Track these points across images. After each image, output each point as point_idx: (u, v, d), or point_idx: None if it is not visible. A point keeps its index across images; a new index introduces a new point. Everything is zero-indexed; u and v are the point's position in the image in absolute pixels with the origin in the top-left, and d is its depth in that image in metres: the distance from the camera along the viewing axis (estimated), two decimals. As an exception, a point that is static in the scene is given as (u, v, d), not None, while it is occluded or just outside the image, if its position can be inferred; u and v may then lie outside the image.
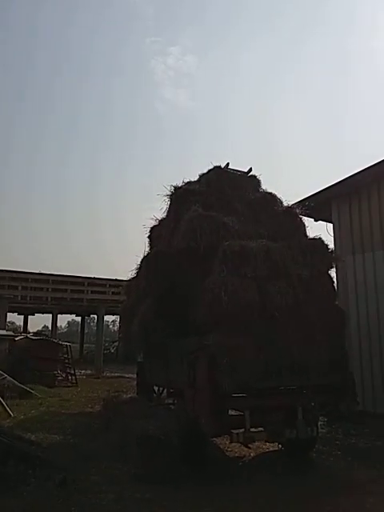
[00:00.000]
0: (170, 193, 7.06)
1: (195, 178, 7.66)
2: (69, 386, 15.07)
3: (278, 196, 7.30)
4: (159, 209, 7.41)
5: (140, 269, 7.50)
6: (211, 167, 7.40)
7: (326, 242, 6.34)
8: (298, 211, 6.92)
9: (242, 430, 5.10)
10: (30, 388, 12.03)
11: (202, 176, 7.54)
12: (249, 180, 7.60)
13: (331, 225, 9.33)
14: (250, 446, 6.09)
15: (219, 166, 7.41)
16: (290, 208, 7.01)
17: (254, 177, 7.68)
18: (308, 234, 6.79)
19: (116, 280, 22.43)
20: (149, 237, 8.28)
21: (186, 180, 7.38)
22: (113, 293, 22.68)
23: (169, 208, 7.23)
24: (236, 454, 6.45)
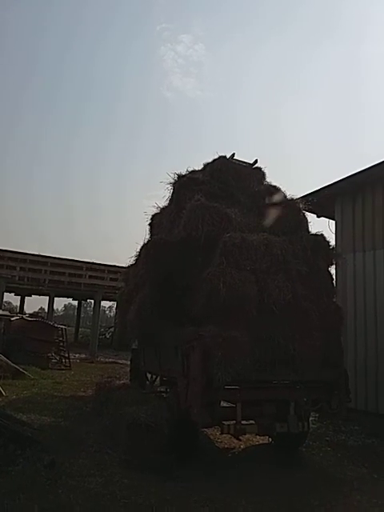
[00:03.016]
0: (173, 181, 6.98)
1: (200, 167, 7.58)
2: (62, 369, 15.11)
3: (283, 189, 7.23)
4: (162, 197, 7.34)
5: (139, 256, 7.44)
6: (216, 157, 7.31)
7: (327, 239, 6.31)
8: (301, 206, 6.84)
9: (234, 421, 5.11)
10: (24, 369, 12.03)
11: (206, 165, 7.45)
12: (254, 172, 7.51)
13: (333, 222, 9.28)
14: (240, 438, 6.11)
15: (224, 157, 7.32)
16: (294, 202, 6.94)
17: (259, 169, 7.59)
18: (310, 229, 6.73)
19: (114, 266, 22.42)
20: (150, 224, 8.21)
21: (190, 169, 7.31)
22: (111, 279, 22.65)
23: (171, 196, 7.14)
24: (226, 446, 6.48)
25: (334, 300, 6.37)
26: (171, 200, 7.16)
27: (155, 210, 7.83)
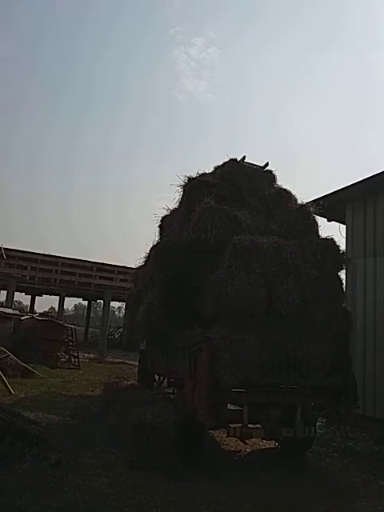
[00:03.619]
0: (183, 183, 7.02)
1: (209, 170, 7.60)
2: (71, 368, 15.20)
3: (293, 193, 7.21)
4: (171, 199, 7.39)
5: (148, 257, 7.49)
6: (227, 160, 7.32)
7: (337, 243, 6.27)
8: (311, 210, 6.82)
9: (240, 424, 5.10)
10: (33, 367, 12.14)
11: (216, 168, 7.47)
12: (264, 175, 7.50)
13: (344, 226, 9.22)
14: (246, 441, 6.09)
15: (235, 159, 7.32)
16: (304, 206, 6.92)
17: (270, 172, 7.57)
18: (320, 233, 6.70)
19: (124, 267, 22.51)
20: (159, 226, 8.25)
21: (201, 171, 7.33)
22: (120, 280, 22.75)
23: (181, 198, 7.18)
24: (232, 449, 6.47)
25: (344, 305, 6.32)
26: (181, 202, 7.20)
27: (165, 212, 7.88)
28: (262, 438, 5.98)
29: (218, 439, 6.72)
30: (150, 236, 8.08)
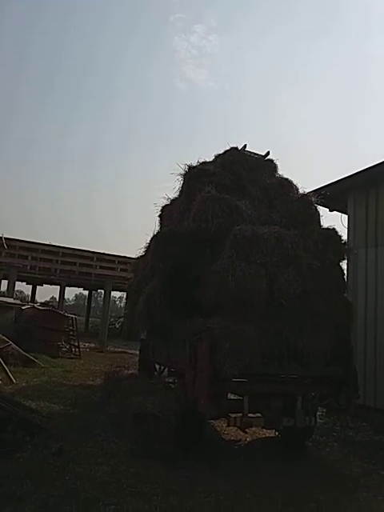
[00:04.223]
0: (183, 172, 6.94)
1: (210, 159, 7.51)
2: (72, 358, 15.27)
3: (295, 182, 7.14)
4: (171, 188, 7.31)
5: (149, 247, 7.45)
6: (228, 148, 7.24)
7: (339, 233, 6.22)
8: (313, 199, 6.75)
9: (240, 414, 5.10)
10: (34, 357, 12.19)
11: (217, 156, 7.38)
12: (265, 164, 7.42)
13: (346, 216, 9.16)
14: (246, 430, 6.12)
15: (236, 148, 7.24)
16: (306, 196, 6.85)
17: (271, 161, 7.48)
18: (322, 223, 6.65)
19: (125, 257, 22.47)
20: (160, 216, 8.19)
21: (201, 160, 7.25)
22: (121, 269, 22.75)
23: (181, 187, 7.10)
24: (232, 438, 6.50)
25: (345, 295, 6.29)
26: (181, 191, 7.13)
27: (165, 202, 7.81)
28: (263, 428, 6.01)
29: (218, 429, 6.74)
30: (148, 227, 8.01)
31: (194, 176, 6.81)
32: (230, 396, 5.57)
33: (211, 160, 7.43)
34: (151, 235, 7.42)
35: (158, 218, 8.19)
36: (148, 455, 5.07)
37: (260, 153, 7.55)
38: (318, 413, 6.14)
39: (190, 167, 6.96)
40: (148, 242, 7.54)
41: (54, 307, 19.79)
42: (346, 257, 6.28)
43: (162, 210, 8.10)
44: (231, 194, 6.29)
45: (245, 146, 7.36)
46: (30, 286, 31.81)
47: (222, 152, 7.34)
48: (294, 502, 4.23)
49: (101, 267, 23.48)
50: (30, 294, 33.68)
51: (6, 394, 6.70)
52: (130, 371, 9.04)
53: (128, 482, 4.37)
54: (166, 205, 7.90)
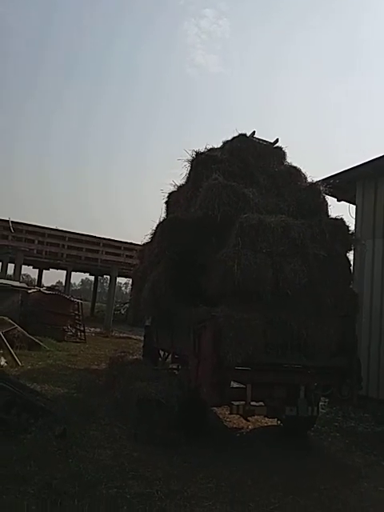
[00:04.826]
0: (191, 158, 6.85)
1: (219, 145, 7.42)
2: (77, 342, 15.41)
3: (303, 171, 7.04)
4: (180, 175, 7.23)
5: (155, 234, 7.41)
6: (236, 134, 7.13)
7: (347, 224, 6.14)
8: (321, 189, 6.66)
9: (243, 402, 5.12)
10: (40, 340, 12.31)
11: (225, 143, 7.28)
12: (274, 151, 7.31)
13: (354, 206, 9.05)
14: (249, 418, 6.15)
15: (244, 134, 7.12)
16: (314, 185, 6.76)
17: (280, 148, 7.37)
18: (330, 213, 6.57)
19: (131, 243, 22.47)
20: (166, 202, 8.13)
21: (209, 146, 7.15)
22: (127, 256, 22.77)
23: (189, 174, 7.03)
24: (234, 425, 6.54)
25: (351, 286, 6.24)
26: (188, 178, 7.05)
27: (172, 188, 7.75)
28: (265, 416, 6.03)
29: (221, 416, 6.79)
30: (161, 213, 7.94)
31: (202, 162, 6.73)
32: (233, 384, 5.58)
33: (219, 146, 7.34)
34: (158, 222, 7.39)
35: (165, 205, 8.14)
36: (151, 440, 5.12)
37: (269, 140, 7.44)
38: (321, 403, 6.15)
39: (198, 153, 6.86)
40: (154, 228, 7.51)
41: (60, 291, 19.92)
42: (353, 247, 6.22)
43: (168, 197, 8.04)
44: (239, 181, 6.21)
45: (253, 132, 7.25)
46: (37, 270, 31.97)
47: (230, 138, 7.24)
48: (294, 490, 4.26)
49: (107, 253, 23.51)
50: (36, 278, 33.90)
51: (11, 376, 6.76)
52: (135, 357, 9.11)
53: (130, 466, 4.42)
54: (173, 191, 7.84)
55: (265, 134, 7.40)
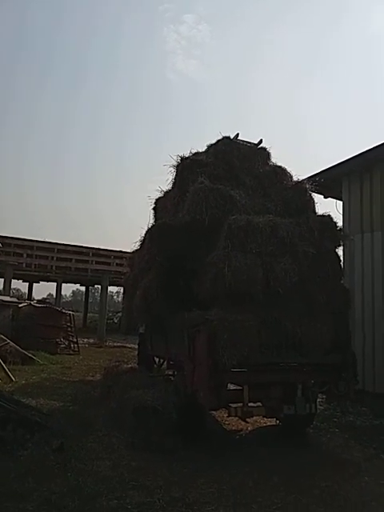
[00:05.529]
0: (176, 163, 6.87)
1: (203, 149, 7.45)
2: (71, 354, 15.25)
3: (288, 170, 7.09)
4: (166, 181, 7.24)
5: (144, 241, 7.39)
6: (220, 138, 7.17)
7: (334, 220, 6.19)
8: (307, 187, 6.71)
9: (241, 404, 5.10)
10: (33, 354, 12.16)
11: (210, 147, 7.31)
12: (258, 152, 7.36)
13: (341, 202, 9.13)
14: (247, 420, 6.13)
15: (228, 137, 7.17)
16: (300, 183, 6.81)
17: (264, 149, 7.43)
18: (317, 210, 6.61)
19: (120, 251, 22.42)
20: (154, 208, 8.13)
21: (194, 151, 7.18)
22: (117, 264, 22.72)
23: (175, 179, 7.05)
24: (233, 428, 6.51)
25: (342, 282, 6.28)
26: (174, 183, 7.07)
27: (159, 194, 7.75)
28: (263, 417, 6.02)
29: (219, 419, 6.76)
30: (145, 220, 7.96)
31: (187, 167, 6.75)
32: (230, 386, 5.56)
33: (204, 150, 7.37)
34: (146, 229, 7.37)
35: (152, 211, 8.14)
36: (148, 447, 5.07)
37: (253, 141, 7.49)
38: (318, 400, 6.15)
39: (183, 158, 6.89)
40: (143, 235, 7.49)
41: (51, 304, 19.74)
42: (342, 243, 6.26)
43: (155, 203, 8.04)
44: (225, 183, 6.24)
45: (237, 134, 7.30)
46: (27, 284, 31.69)
47: (214, 142, 7.27)
48: (296, 489, 4.24)
49: (97, 262, 23.45)
50: (26, 291, 33.57)
51: (6, 393, 6.65)
52: (130, 365, 9.03)
53: (130, 476, 4.37)
54: (160, 197, 7.84)
55: (248, 136, 7.46)
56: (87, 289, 34.01)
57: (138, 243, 7.80)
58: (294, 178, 7.00)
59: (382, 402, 7.29)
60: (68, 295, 76.89)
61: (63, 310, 17.25)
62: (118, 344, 19.57)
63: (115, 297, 61.04)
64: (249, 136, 7.45)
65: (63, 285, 26.26)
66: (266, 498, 4.00)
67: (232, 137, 7.25)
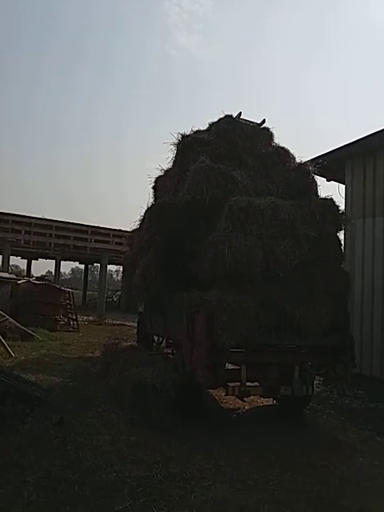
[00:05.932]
0: (176, 141, 6.74)
1: (205, 127, 7.31)
2: (70, 331, 15.38)
3: (291, 151, 6.99)
4: (166, 159, 7.13)
5: (143, 220, 7.34)
6: (222, 116, 7.03)
7: (336, 203, 6.14)
8: (310, 169, 6.63)
9: (238, 383, 5.16)
10: (32, 331, 12.24)
11: (211, 125, 7.17)
12: (261, 132, 7.24)
13: (343, 186, 9.05)
14: (245, 399, 6.21)
15: (230, 116, 7.03)
16: (303, 165, 6.72)
17: (267, 129, 7.30)
18: (319, 193, 6.55)
19: (119, 230, 22.34)
20: (153, 187, 8.04)
21: (195, 129, 7.05)
22: (116, 243, 22.64)
23: (175, 158, 6.93)
24: (231, 406, 6.60)
25: (342, 265, 6.27)
26: (175, 162, 6.96)
27: (159, 173, 7.65)
28: (260, 396, 6.10)
29: (217, 397, 6.85)
30: (144, 199, 7.89)
31: (188, 145, 6.62)
32: (228, 366, 5.62)
33: (205, 129, 7.23)
34: (145, 208, 7.31)
35: (152, 190, 8.05)
36: (147, 425, 5.14)
37: (256, 121, 7.36)
38: (316, 381, 6.22)
39: (184, 136, 6.75)
40: (142, 214, 7.43)
41: (50, 281, 19.80)
42: (343, 227, 6.23)
43: (155, 182, 7.95)
44: (226, 163, 6.15)
45: (240, 113, 7.16)
46: (25, 261, 31.71)
47: (216, 120, 7.14)
48: (292, 467, 4.32)
49: (96, 241, 23.35)
50: (25, 268, 33.62)
51: (5, 368, 6.72)
52: (129, 343, 9.10)
53: (129, 451, 4.45)
54: (160, 176, 7.74)
55: (249, 116, 7.32)
56: (86, 267, 34.06)
57: (138, 222, 7.76)
58: (297, 160, 6.91)
59: (378, 385, 7.40)
60: (67, 273, 77.17)
61: (62, 288, 17.30)
62: (118, 322, 19.72)
63: (114, 275, 61.24)
64: (250, 116, 7.33)
65: (62, 262, 26.31)
66: (262, 475, 4.08)
67: (234, 115, 7.11)
